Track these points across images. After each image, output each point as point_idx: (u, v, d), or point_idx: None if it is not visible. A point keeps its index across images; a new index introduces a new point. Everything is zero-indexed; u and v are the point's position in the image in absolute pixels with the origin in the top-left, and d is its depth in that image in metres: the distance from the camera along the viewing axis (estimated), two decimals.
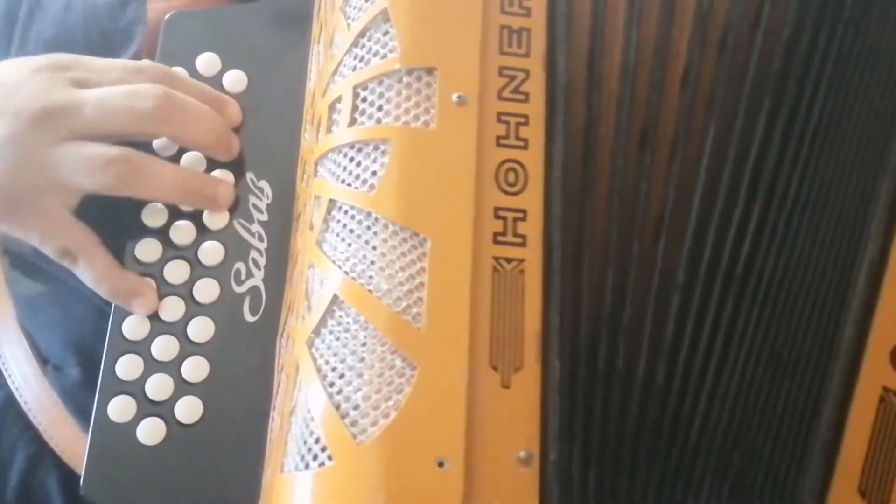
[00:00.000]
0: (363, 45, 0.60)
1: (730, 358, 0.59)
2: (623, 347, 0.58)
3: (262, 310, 0.69)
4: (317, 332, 0.56)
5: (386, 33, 0.59)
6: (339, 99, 0.60)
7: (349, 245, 0.56)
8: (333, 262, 0.56)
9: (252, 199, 0.72)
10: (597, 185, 0.59)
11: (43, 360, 0.76)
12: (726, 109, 0.60)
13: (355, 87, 0.59)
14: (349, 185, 0.57)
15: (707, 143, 0.60)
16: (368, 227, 0.56)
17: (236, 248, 0.70)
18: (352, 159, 0.58)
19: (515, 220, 0.56)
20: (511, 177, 0.57)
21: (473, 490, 0.51)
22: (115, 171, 0.64)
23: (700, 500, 0.58)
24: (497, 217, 0.56)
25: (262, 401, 0.67)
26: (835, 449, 0.60)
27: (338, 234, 0.57)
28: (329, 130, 0.60)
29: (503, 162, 0.57)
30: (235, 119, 0.71)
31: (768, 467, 0.59)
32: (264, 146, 0.74)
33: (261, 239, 0.71)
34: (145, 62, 0.70)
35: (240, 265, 0.70)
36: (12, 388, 0.74)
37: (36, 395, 0.73)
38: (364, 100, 0.59)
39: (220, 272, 0.70)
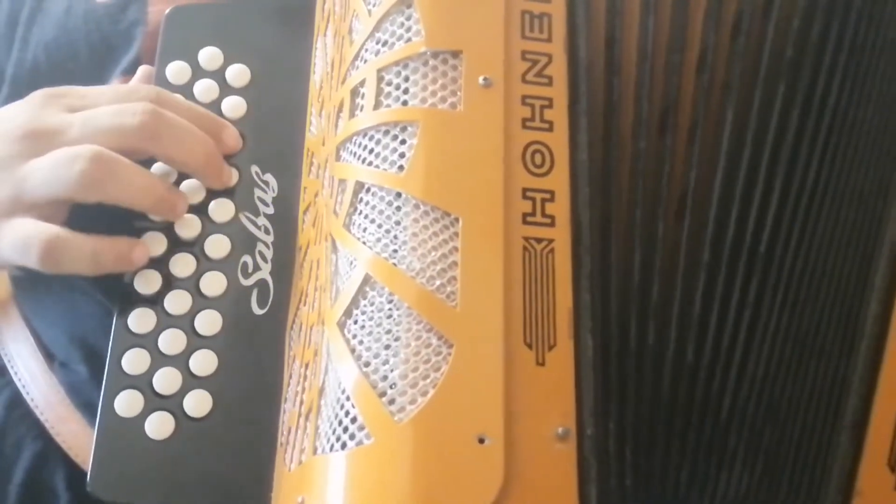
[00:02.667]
0: (386, 30, 0.60)
1: (756, 336, 0.60)
2: (653, 325, 0.59)
3: (270, 302, 0.69)
4: (348, 313, 0.56)
5: (409, 17, 0.59)
6: (362, 83, 0.60)
7: (379, 226, 0.56)
8: (364, 243, 0.56)
9: (258, 193, 0.72)
10: (620, 167, 0.60)
11: (49, 356, 0.74)
12: (742, 95, 0.62)
13: (379, 71, 0.59)
14: (377, 166, 0.58)
15: (725, 127, 0.61)
16: (399, 208, 0.56)
17: (243, 241, 0.70)
18: (378, 141, 0.58)
19: (543, 200, 0.57)
20: (538, 158, 0.57)
21: (513, 465, 0.51)
22: (80, 169, 0.62)
23: (733, 476, 0.59)
24: (525, 198, 0.56)
25: (273, 393, 0.67)
26: (863, 425, 0.61)
27: (366, 216, 0.57)
28: (352, 115, 0.60)
29: (529, 144, 0.57)
30: (232, 145, 0.70)
31: (798, 443, 0.60)
32: (269, 140, 0.73)
33: (267, 232, 0.71)
34: (139, 85, 0.69)
35: (247, 258, 0.70)
36: (18, 384, 0.73)
37: (42, 392, 0.72)
38: (389, 83, 0.59)
39: (226, 265, 0.69)
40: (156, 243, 0.69)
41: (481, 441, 0.51)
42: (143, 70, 0.75)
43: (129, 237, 0.66)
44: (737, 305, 0.60)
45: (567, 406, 0.53)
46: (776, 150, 0.61)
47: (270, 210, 0.72)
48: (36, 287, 0.75)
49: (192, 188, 0.70)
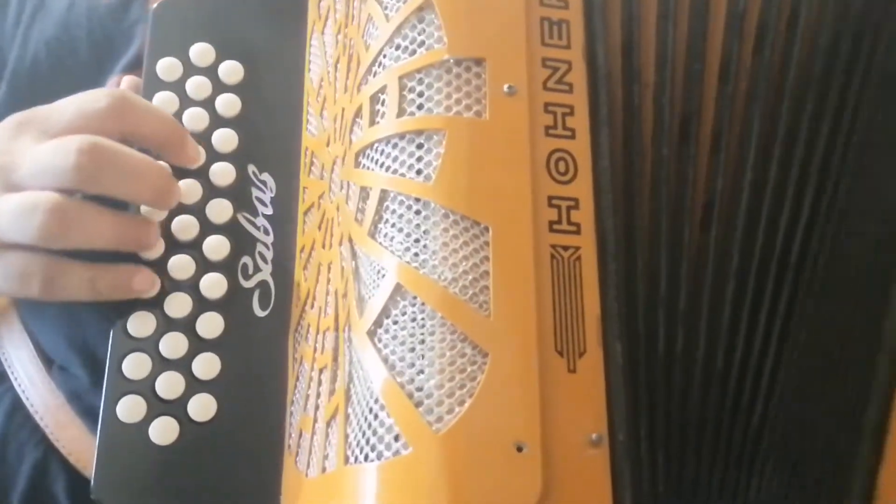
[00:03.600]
0: (406, 36, 0.60)
1: (787, 346, 0.61)
2: (681, 332, 0.60)
3: (271, 304, 0.69)
4: (378, 323, 0.56)
5: (430, 24, 0.59)
6: (382, 90, 0.60)
7: (407, 235, 0.56)
8: (392, 252, 0.56)
9: (255, 193, 0.71)
10: (641, 174, 0.61)
11: (48, 361, 0.73)
12: (768, 106, 0.63)
13: (401, 78, 0.59)
14: (402, 174, 0.58)
15: (752, 138, 0.62)
16: (426, 217, 0.56)
17: (242, 242, 0.70)
18: (403, 149, 0.58)
19: (569, 208, 0.57)
20: (562, 166, 0.58)
21: (551, 472, 0.52)
22: (39, 223, 0.60)
23: (763, 482, 0.60)
24: (551, 205, 0.57)
25: (278, 395, 0.67)
26: (883, 434, 0.62)
27: (393, 225, 0.57)
28: (373, 122, 0.60)
29: (553, 151, 0.58)
30: (192, 158, 0.68)
31: (824, 451, 0.62)
32: (265, 138, 0.73)
33: (266, 233, 0.70)
34: (99, 92, 0.66)
35: (246, 259, 0.70)
36: (18, 390, 0.72)
37: (42, 397, 0.71)
38: (412, 90, 0.59)
39: (226, 267, 0.69)
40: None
41: (519, 449, 0.52)
42: (127, 81, 0.73)
43: (131, 265, 0.65)
44: (767, 315, 0.61)
45: (599, 412, 0.54)
46: (806, 163, 0.62)
47: (269, 210, 0.71)
48: None
49: (188, 188, 0.69)
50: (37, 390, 0.72)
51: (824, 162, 0.63)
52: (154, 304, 0.67)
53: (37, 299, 0.63)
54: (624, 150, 0.61)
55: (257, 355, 0.68)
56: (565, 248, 0.56)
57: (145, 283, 0.65)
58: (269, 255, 0.70)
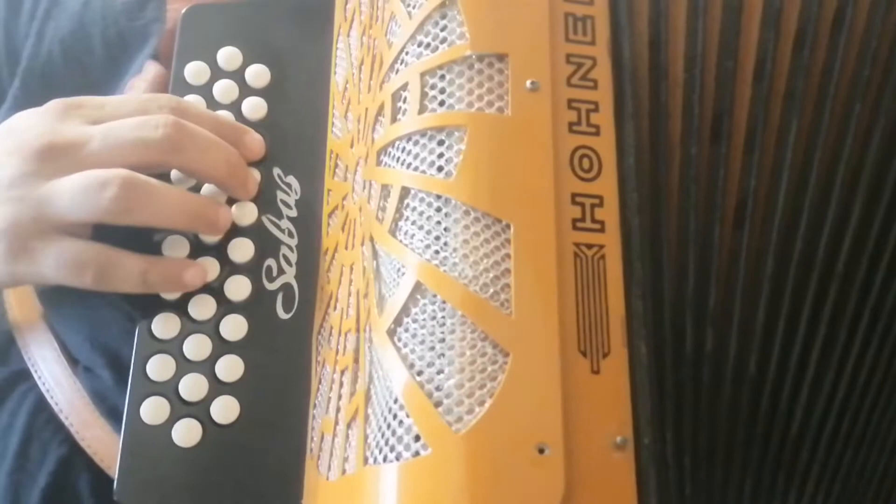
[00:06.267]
0: (428, 32, 0.59)
1: (834, 354, 0.59)
2: (711, 332, 0.58)
3: (295, 307, 0.68)
4: (398, 321, 0.55)
5: (453, 20, 0.59)
6: (404, 87, 0.59)
7: (428, 233, 0.56)
8: (413, 250, 0.55)
9: (280, 195, 0.71)
10: (669, 173, 0.60)
11: (73, 361, 0.73)
12: (809, 107, 0.61)
13: (423, 75, 0.58)
14: (423, 171, 0.57)
15: (789, 138, 0.60)
16: (447, 214, 0.55)
17: (266, 244, 0.69)
18: (424, 146, 0.57)
19: (593, 206, 0.56)
20: (586, 163, 0.57)
21: (574, 475, 0.51)
22: (112, 196, 0.60)
23: (805, 494, 0.58)
24: (575, 203, 0.56)
25: (300, 398, 0.66)
26: None
27: (413, 222, 0.56)
28: (395, 119, 0.59)
29: (577, 148, 0.57)
30: (254, 150, 0.69)
31: (879, 471, 0.60)
32: (290, 141, 0.73)
33: (291, 235, 0.70)
34: (158, 95, 0.67)
35: (271, 262, 0.69)
36: (42, 389, 0.72)
37: (67, 396, 0.71)
38: (433, 87, 0.58)
39: (250, 269, 0.69)
40: (178, 248, 0.68)
41: (541, 451, 0.51)
42: (152, 68, 0.73)
43: (182, 258, 0.66)
44: (809, 321, 0.59)
45: (623, 415, 0.53)
46: (857, 167, 0.60)
47: (293, 213, 0.71)
48: (57, 291, 0.74)
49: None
50: (62, 389, 0.72)
51: (879, 168, 0.61)
52: (178, 306, 0.67)
53: (89, 288, 0.63)
54: (651, 147, 0.59)
55: (280, 358, 0.67)
56: (589, 246, 0.55)
57: (197, 277, 0.65)
58: (294, 257, 0.70)
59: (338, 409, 0.61)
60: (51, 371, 0.72)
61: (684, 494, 0.57)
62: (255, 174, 0.70)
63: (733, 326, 0.59)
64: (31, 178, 0.62)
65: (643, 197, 0.58)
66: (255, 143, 0.69)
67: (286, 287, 0.69)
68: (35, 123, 0.65)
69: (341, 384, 0.62)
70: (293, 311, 0.69)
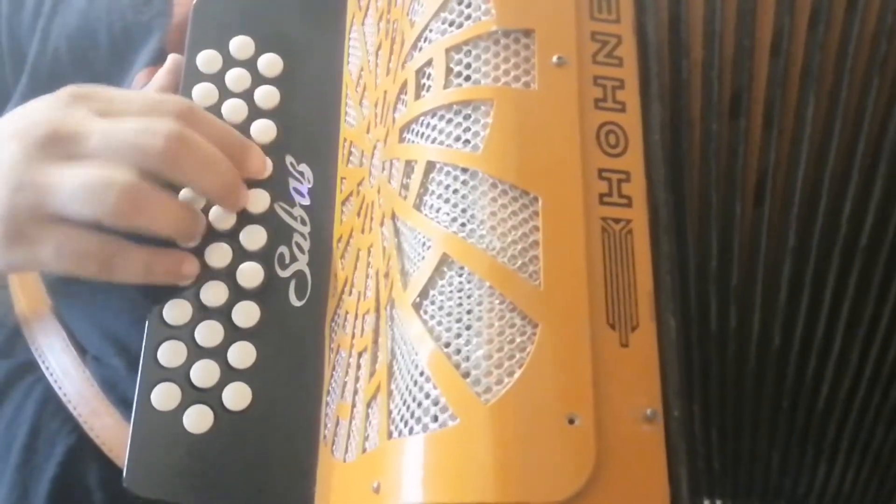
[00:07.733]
0: (452, 9, 0.59)
1: (861, 329, 0.59)
2: (734, 309, 0.58)
3: (308, 294, 0.68)
4: (424, 294, 0.54)
5: None
6: (428, 63, 0.59)
7: (454, 206, 0.55)
8: (438, 223, 0.55)
9: (293, 183, 0.70)
10: (690, 149, 0.60)
11: (82, 351, 0.72)
12: (825, 82, 0.61)
13: (448, 51, 0.58)
14: (448, 146, 0.56)
15: (807, 113, 0.61)
16: (474, 188, 0.55)
17: (279, 232, 0.69)
18: (450, 121, 0.57)
19: (619, 181, 0.56)
20: (612, 139, 0.56)
21: (604, 446, 0.50)
22: (114, 200, 0.60)
23: (834, 469, 0.57)
24: (602, 178, 0.56)
25: (313, 385, 0.66)
26: None
27: (439, 196, 0.56)
28: (419, 95, 0.59)
29: (603, 124, 0.57)
30: (257, 170, 0.68)
31: None
32: (303, 130, 0.72)
33: (303, 223, 0.69)
34: (169, 97, 0.67)
35: (283, 249, 0.69)
36: (50, 379, 0.71)
37: (76, 386, 0.70)
38: (459, 62, 0.58)
39: (263, 256, 0.68)
40: None
41: (571, 421, 0.50)
42: (172, 59, 0.73)
43: (180, 250, 0.65)
44: (833, 295, 0.59)
45: (653, 388, 0.52)
46: (879, 138, 0.60)
47: (306, 200, 0.70)
48: (65, 281, 0.72)
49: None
50: (70, 379, 0.70)
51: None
52: (190, 292, 0.66)
53: (92, 278, 0.62)
54: (671, 123, 0.59)
55: (293, 345, 0.67)
56: (616, 220, 0.55)
57: (192, 269, 0.65)
58: (306, 245, 0.69)
59: (355, 392, 0.60)
60: (59, 361, 0.71)
61: (713, 467, 0.56)
62: (268, 162, 0.69)
63: (756, 301, 0.59)
64: (30, 164, 0.61)
65: (666, 173, 0.57)
66: (259, 162, 0.68)
67: (299, 274, 0.69)
68: (42, 109, 0.64)
69: (359, 366, 0.61)
70: (306, 298, 0.68)
